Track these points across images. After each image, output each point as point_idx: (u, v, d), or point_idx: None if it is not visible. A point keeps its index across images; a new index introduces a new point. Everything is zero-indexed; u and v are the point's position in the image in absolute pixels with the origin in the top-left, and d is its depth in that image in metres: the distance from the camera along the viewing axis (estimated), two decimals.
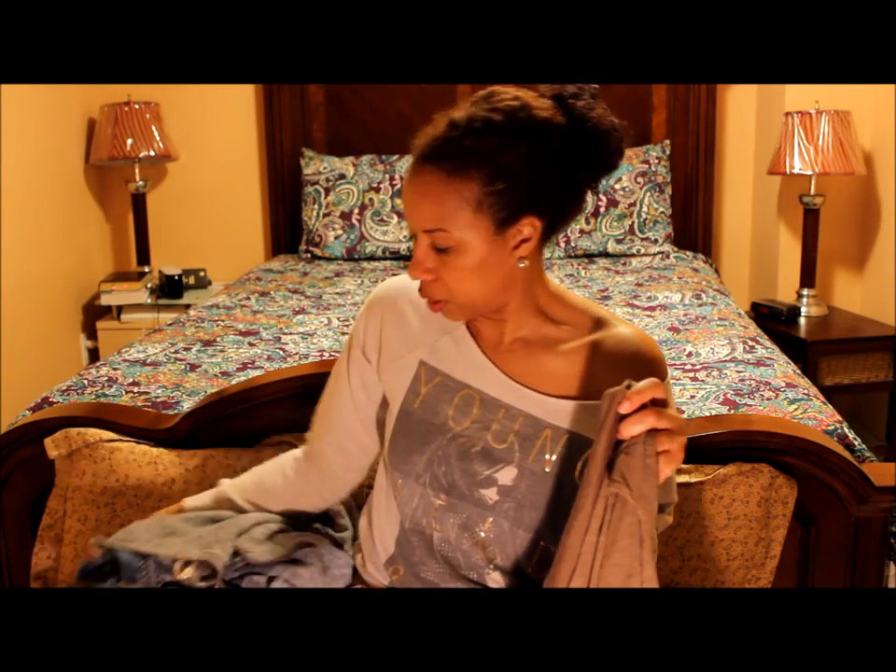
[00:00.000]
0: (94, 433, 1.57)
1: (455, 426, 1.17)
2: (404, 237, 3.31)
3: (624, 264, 3.17)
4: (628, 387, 0.97)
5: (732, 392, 1.73)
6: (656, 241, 3.31)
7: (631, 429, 0.95)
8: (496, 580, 1.16)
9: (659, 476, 0.97)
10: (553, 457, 1.13)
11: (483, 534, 1.15)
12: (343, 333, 2.28)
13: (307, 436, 1.33)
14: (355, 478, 1.32)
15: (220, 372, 1.94)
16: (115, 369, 1.97)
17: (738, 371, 1.86)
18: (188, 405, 1.72)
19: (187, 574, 1.19)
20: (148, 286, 3.43)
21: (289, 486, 1.32)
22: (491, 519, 1.15)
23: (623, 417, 0.96)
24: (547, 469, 1.13)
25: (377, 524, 1.24)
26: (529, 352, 1.18)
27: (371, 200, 3.35)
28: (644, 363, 1.14)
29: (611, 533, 0.96)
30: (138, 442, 1.58)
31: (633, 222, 3.30)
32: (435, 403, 1.18)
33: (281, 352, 2.11)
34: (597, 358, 1.15)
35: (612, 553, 0.97)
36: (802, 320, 3.14)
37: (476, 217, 1.06)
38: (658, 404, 0.97)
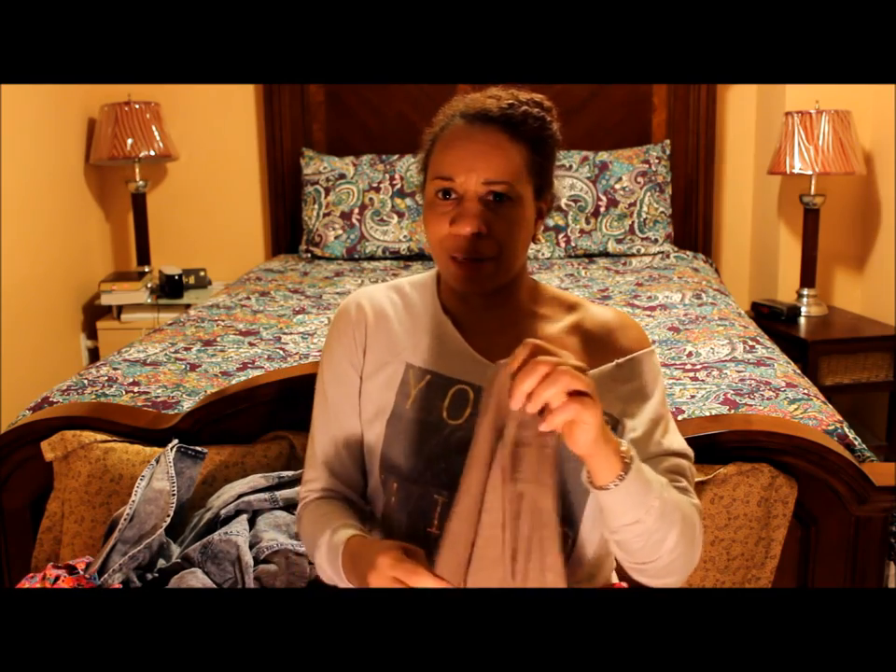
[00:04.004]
0: (89, 435, 1.57)
1: (451, 421, 1.17)
2: (404, 237, 3.31)
3: (624, 264, 3.17)
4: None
5: (732, 392, 1.73)
6: (656, 241, 3.31)
7: (555, 422, 0.91)
8: None
9: (575, 447, 0.94)
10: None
11: None
12: None
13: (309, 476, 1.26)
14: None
15: (220, 372, 1.94)
16: (115, 368, 1.97)
17: (738, 371, 1.86)
18: (188, 405, 1.73)
19: None
20: (148, 285, 3.43)
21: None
22: None
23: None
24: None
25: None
26: (515, 338, 1.19)
27: (371, 200, 3.35)
28: (625, 332, 1.21)
29: (519, 528, 0.95)
30: (132, 442, 1.59)
31: (633, 222, 3.30)
32: (427, 402, 1.18)
33: (281, 352, 2.11)
34: (581, 337, 1.20)
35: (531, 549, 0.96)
36: (802, 320, 3.14)
37: (528, 178, 1.16)
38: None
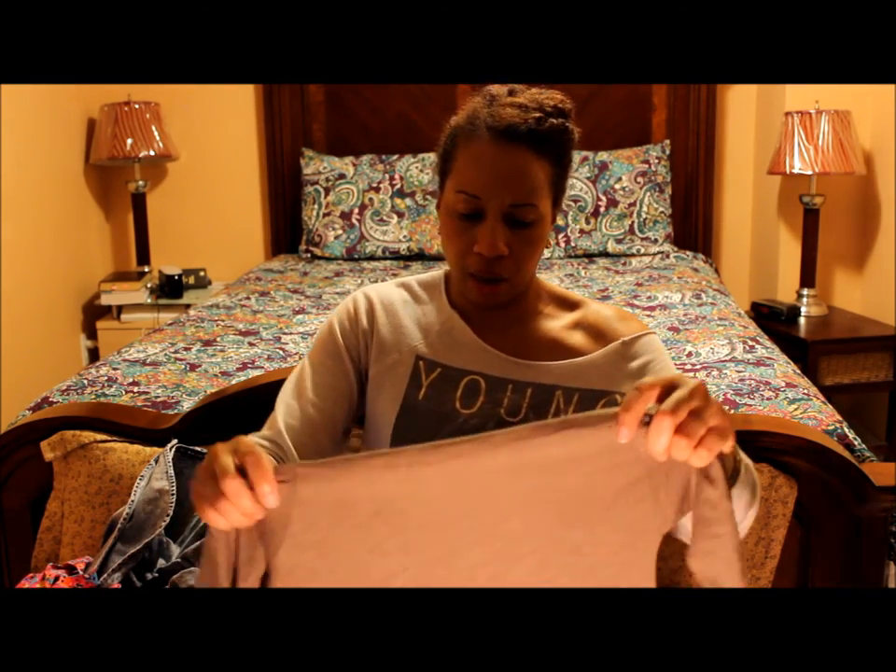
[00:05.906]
0: (89, 434, 1.57)
1: (464, 410, 1.18)
2: (404, 237, 3.31)
3: (624, 264, 3.17)
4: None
5: (732, 392, 1.73)
6: (656, 241, 3.31)
7: (702, 457, 0.85)
8: None
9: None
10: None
11: None
12: None
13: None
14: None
15: (220, 372, 1.94)
16: (115, 368, 1.97)
17: (738, 371, 1.86)
18: (188, 405, 1.72)
19: None
20: (148, 285, 3.43)
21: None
22: None
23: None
24: None
25: None
26: (523, 330, 1.24)
27: (370, 200, 3.35)
28: (628, 322, 1.27)
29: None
30: (132, 442, 1.58)
31: (633, 222, 3.30)
32: (439, 393, 1.19)
33: (281, 352, 2.11)
34: (584, 330, 1.25)
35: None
36: (802, 320, 3.14)
37: (549, 192, 1.17)
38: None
